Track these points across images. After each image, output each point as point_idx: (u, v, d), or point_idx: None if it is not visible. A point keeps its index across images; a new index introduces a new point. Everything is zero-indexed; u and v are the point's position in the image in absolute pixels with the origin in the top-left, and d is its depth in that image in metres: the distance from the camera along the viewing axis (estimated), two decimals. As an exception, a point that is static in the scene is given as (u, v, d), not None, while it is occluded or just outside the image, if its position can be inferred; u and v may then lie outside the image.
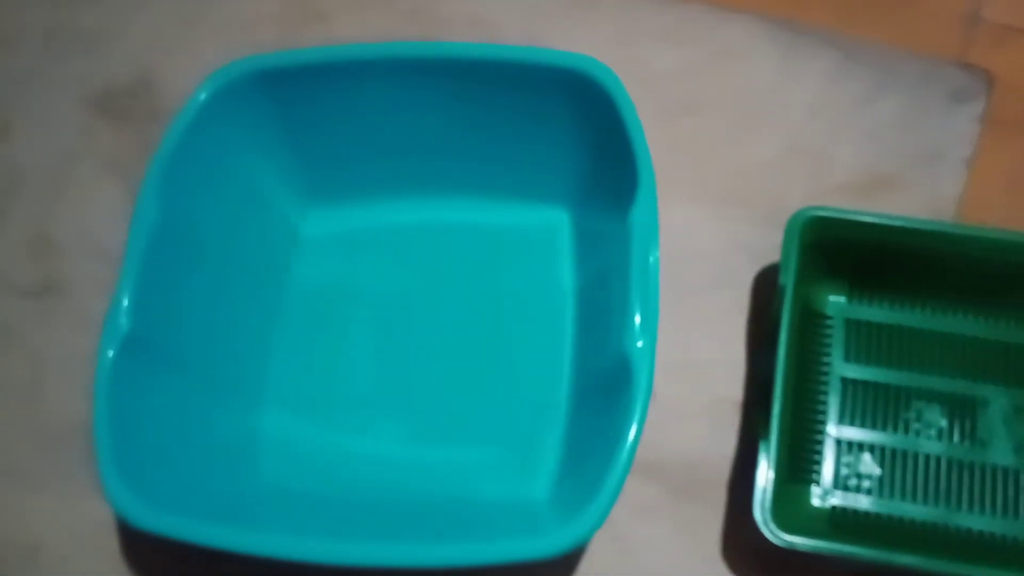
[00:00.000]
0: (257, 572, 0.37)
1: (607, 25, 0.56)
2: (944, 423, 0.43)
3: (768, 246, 0.49)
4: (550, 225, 0.50)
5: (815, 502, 0.42)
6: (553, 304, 0.48)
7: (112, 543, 0.44)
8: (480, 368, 0.47)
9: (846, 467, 0.43)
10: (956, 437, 0.43)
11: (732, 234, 0.49)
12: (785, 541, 0.38)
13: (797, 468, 0.42)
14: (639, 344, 0.38)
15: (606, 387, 0.41)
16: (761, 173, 0.51)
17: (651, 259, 0.39)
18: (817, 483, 0.42)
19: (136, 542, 0.45)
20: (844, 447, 0.43)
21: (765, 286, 0.48)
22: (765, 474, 0.39)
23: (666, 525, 0.43)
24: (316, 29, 0.57)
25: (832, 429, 0.43)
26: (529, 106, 0.47)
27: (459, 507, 0.43)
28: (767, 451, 0.39)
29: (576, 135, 0.47)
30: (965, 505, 0.42)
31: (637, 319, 0.38)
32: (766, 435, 0.40)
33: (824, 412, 0.44)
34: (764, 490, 0.39)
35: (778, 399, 0.40)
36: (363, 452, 0.45)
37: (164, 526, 0.37)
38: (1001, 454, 0.42)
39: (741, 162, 0.51)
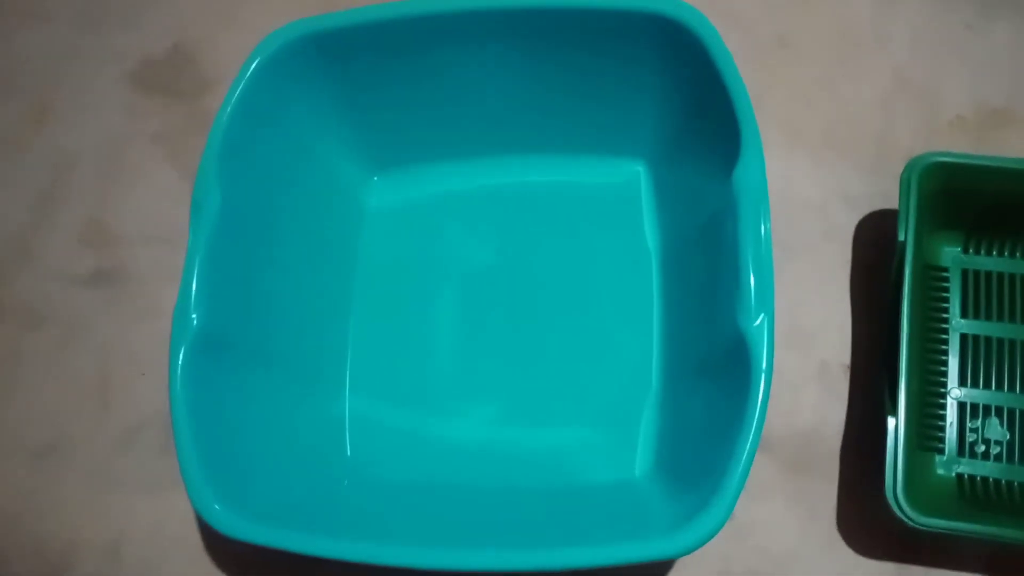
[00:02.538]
0: (344, 571, 0.35)
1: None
2: (1079, 380, 0.40)
3: (871, 193, 0.45)
4: (631, 181, 0.46)
5: (940, 471, 0.39)
6: (640, 269, 0.45)
7: (194, 536, 0.43)
8: (569, 341, 0.44)
9: (972, 432, 0.40)
10: (1094, 394, 0.40)
11: (832, 182, 0.46)
12: (923, 524, 0.35)
13: (921, 436, 0.40)
14: (756, 323, 0.35)
15: (718, 366, 0.38)
16: (861, 114, 0.46)
17: (763, 229, 0.36)
18: (942, 452, 0.40)
19: (219, 535, 0.43)
20: (969, 411, 0.40)
21: (869, 237, 0.45)
22: (894, 452, 0.36)
23: (780, 502, 0.41)
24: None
25: (955, 392, 0.40)
26: (608, 55, 0.42)
27: (560, 493, 0.41)
28: (896, 425, 0.37)
29: (661, 85, 0.43)
30: (1107, 468, 0.39)
31: (752, 295, 0.35)
32: (893, 407, 0.37)
33: (945, 374, 0.41)
34: (895, 469, 0.36)
35: (904, 365, 0.37)
36: (454, 437, 0.43)
37: (257, 535, 0.35)
38: None
39: (839, 103, 0.47)
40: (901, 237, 0.38)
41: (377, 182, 0.48)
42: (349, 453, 0.43)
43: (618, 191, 0.47)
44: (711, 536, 0.33)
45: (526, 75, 0.44)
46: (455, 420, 0.43)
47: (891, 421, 0.37)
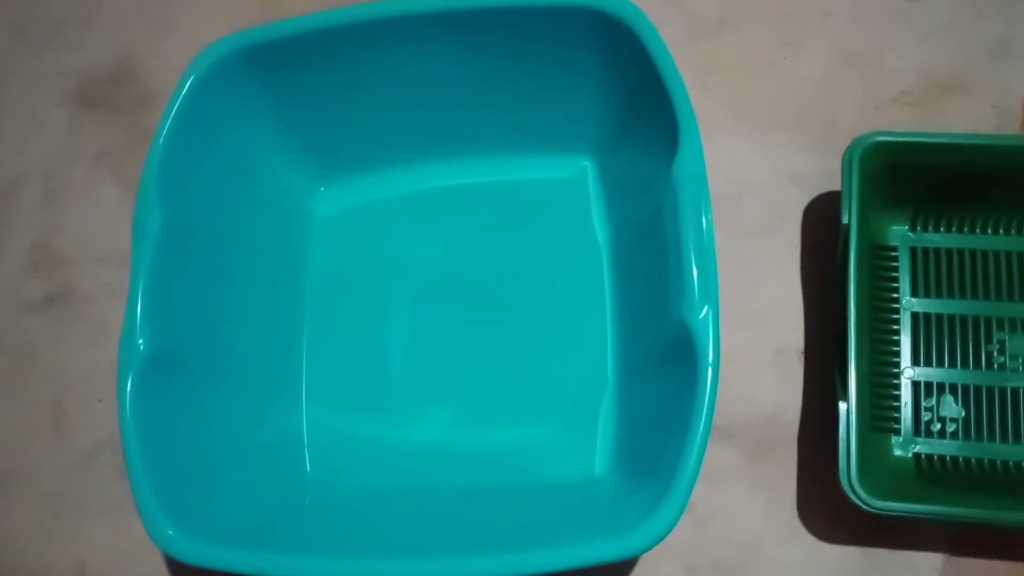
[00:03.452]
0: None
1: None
2: (1031, 353, 0.40)
3: (819, 173, 0.45)
4: (578, 176, 0.46)
5: (897, 452, 0.39)
6: (591, 263, 0.45)
7: (157, 559, 0.43)
8: (524, 339, 0.44)
9: (927, 411, 0.40)
10: (1047, 367, 0.40)
11: (781, 163, 0.45)
12: (877, 507, 0.35)
13: (876, 418, 0.40)
14: (701, 315, 0.35)
15: (668, 359, 0.37)
16: (807, 93, 0.46)
17: (704, 221, 0.36)
18: (898, 432, 0.40)
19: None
20: (923, 390, 0.40)
21: (818, 218, 0.44)
22: (847, 436, 0.36)
23: (741, 490, 0.41)
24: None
25: (909, 371, 0.40)
26: (547, 52, 0.42)
27: (521, 493, 0.41)
28: (847, 408, 0.36)
29: (602, 79, 0.42)
30: (1062, 440, 0.39)
31: (696, 288, 0.35)
32: (844, 391, 0.37)
33: (897, 354, 0.41)
34: (848, 453, 0.36)
35: (853, 348, 0.37)
36: (414, 441, 0.43)
37: (212, 559, 0.35)
38: (1096, 381, 0.39)
39: (783, 82, 0.47)
40: (845, 219, 0.38)
41: (324, 191, 0.47)
42: (309, 466, 0.43)
43: (566, 187, 0.46)
44: (664, 535, 0.33)
45: (466, 76, 0.44)
46: (414, 424, 0.43)
47: (842, 405, 0.36)
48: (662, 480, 0.34)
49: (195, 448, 0.38)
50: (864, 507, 0.35)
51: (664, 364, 0.38)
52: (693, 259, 0.35)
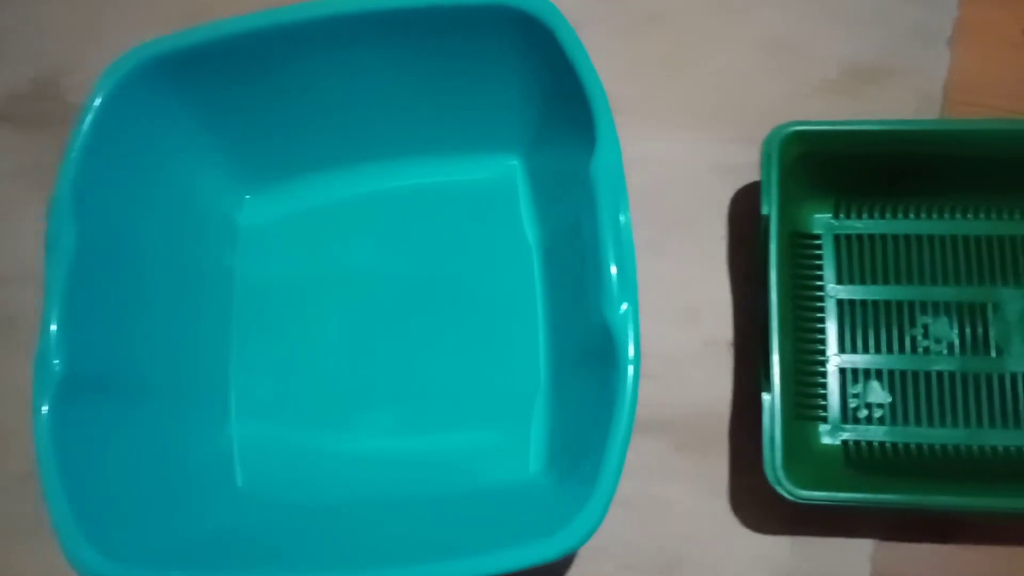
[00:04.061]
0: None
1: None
2: (954, 336, 0.40)
3: (745, 164, 0.45)
4: (507, 176, 0.46)
5: (825, 440, 0.40)
6: (522, 263, 0.44)
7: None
8: (458, 343, 0.44)
9: (854, 398, 0.40)
10: (969, 349, 0.40)
11: (709, 154, 0.45)
12: (802, 497, 0.35)
13: (802, 407, 0.40)
14: (621, 312, 0.35)
15: (590, 355, 0.37)
16: (733, 83, 0.46)
17: (623, 218, 0.35)
18: (825, 420, 0.40)
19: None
20: (850, 377, 0.40)
21: (744, 209, 0.45)
22: (772, 426, 0.36)
23: (676, 484, 0.41)
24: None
25: (835, 359, 0.41)
26: (468, 51, 0.42)
27: (460, 499, 0.40)
28: (771, 399, 0.36)
29: (524, 77, 0.42)
30: (987, 422, 0.39)
31: (615, 285, 0.35)
32: (767, 382, 0.37)
33: (823, 341, 0.41)
34: (772, 444, 0.36)
35: (775, 339, 0.37)
36: (350, 451, 0.42)
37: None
38: (1019, 361, 0.40)
39: (711, 73, 0.47)
40: (765, 210, 0.38)
41: (251, 200, 0.47)
42: (241, 482, 0.42)
43: (495, 187, 0.46)
44: (588, 535, 0.33)
45: (389, 78, 0.43)
46: (349, 434, 0.42)
47: (766, 396, 0.37)
48: (587, 479, 0.34)
49: (118, 470, 0.38)
50: (789, 497, 0.35)
51: (591, 362, 0.38)
52: (611, 257, 0.35)
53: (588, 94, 0.37)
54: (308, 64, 0.42)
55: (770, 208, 0.38)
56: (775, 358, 0.37)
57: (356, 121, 0.45)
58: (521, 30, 0.40)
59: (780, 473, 0.35)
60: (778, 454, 0.36)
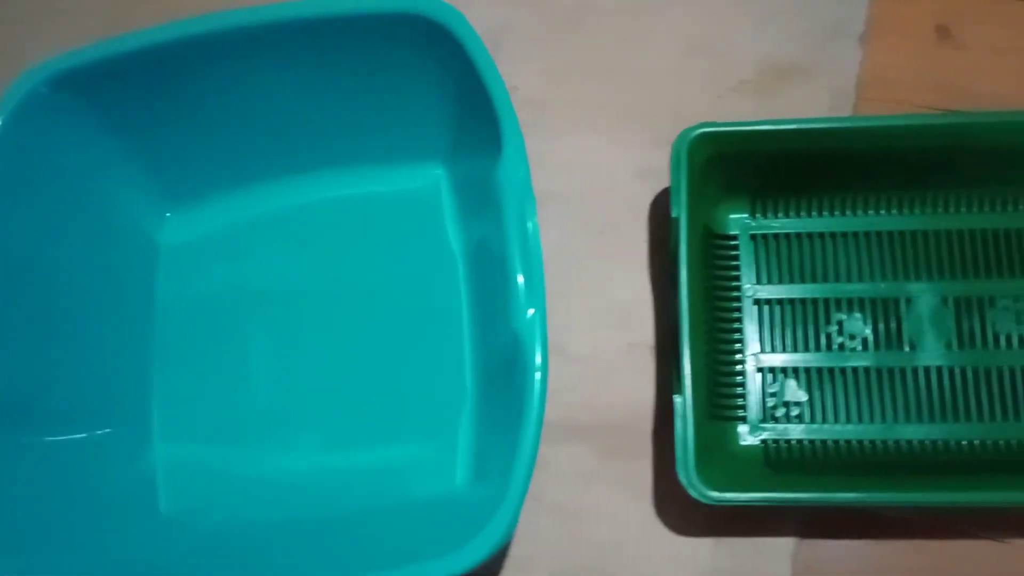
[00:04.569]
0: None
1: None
2: (868, 332, 0.41)
3: (665, 167, 0.45)
4: (431, 185, 0.46)
5: (744, 441, 0.40)
6: (447, 274, 0.44)
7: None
8: (386, 356, 0.43)
9: (772, 397, 0.40)
10: (883, 345, 0.40)
11: (629, 158, 0.45)
12: (713, 499, 0.35)
13: (721, 407, 0.40)
14: (528, 320, 0.34)
15: (505, 363, 0.37)
16: (652, 86, 0.46)
17: (530, 225, 0.35)
18: (744, 420, 0.40)
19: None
20: (768, 376, 0.40)
21: (664, 211, 0.45)
22: (684, 428, 0.36)
23: (602, 489, 0.41)
24: (151, 5, 0.51)
25: (752, 359, 0.41)
26: (380, 60, 0.42)
27: (389, 514, 0.40)
28: (683, 402, 0.36)
29: (435, 85, 0.42)
30: (902, 416, 0.39)
31: (522, 294, 0.35)
32: (679, 385, 0.37)
33: (742, 341, 0.41)
34: (684, 446, 0.36)
35: (686, 342, 0.37)
36: (278, 471, 0.42)
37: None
38: (931, 355, 0.40)
39: (630, 76, 0.47)
40: (675, 213, 0.38)
41: (172, 218, 0.46)
42: (164, 507, 0.42)
43: (420, 196, 0.46)
44: (498, 545, 0.32)
45: (303, 90, 0.43)
46: (275, 453, 0.42)
47: (677, 399, 0.37)
48: (498, 490, 0.34)
49: (31, 499, 0.37)
50: (701, 499, 0.35)
51: (508, 370, 0.38)
52: (518, 264, 0.35)
53: (494, 102, 0.37)
54: (222, 77, 0.42)
55: (680, 211, 0.38)
56: (686, 360, 0.37)
57: (276, 134, 0.44)
58: (429, 38, 0.39)
59: (693, 475, 0.35)
60: (691, 456, 0.36)
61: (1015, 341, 0.40)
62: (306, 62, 0.42)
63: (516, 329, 0.35)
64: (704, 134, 0.39)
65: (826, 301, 0.41)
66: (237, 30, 0.40)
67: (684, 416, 0.36)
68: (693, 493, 0.35)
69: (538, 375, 0.34)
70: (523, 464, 0.33)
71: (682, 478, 0.36)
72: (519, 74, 0.47)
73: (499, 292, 0.38)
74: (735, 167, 0.40)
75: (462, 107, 0.42)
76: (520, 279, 0.35)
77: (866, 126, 0.39)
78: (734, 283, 0.41)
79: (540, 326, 0.34)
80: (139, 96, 0.42)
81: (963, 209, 0.41)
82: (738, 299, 0.41)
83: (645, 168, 0.45)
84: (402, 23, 0.40)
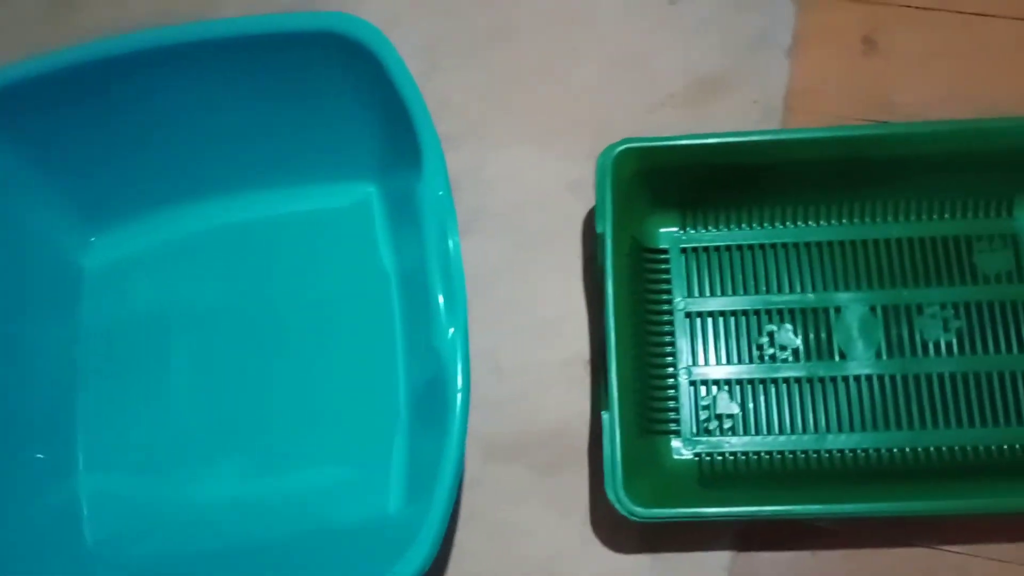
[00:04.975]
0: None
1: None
2: (799, 342, 0.41)
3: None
4: (362, 203, 0.45)
5: (678, 455, 0.39)
6: (380, 292, 0.44)
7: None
8: (316, 378, 0.43)
9: (705, 410, 0.40)
10: (814, 355, 0.40)
11: (560, 172, 0.45)
12: (640, 516, 0.35)
13: (654, 422, 0.39)
14: (448, 341, 0.34)
15: (433, 383, 0.37)
16: (582, 100, 0.46)
17: (451, 244, 0.35)
18: (678, 434, 0.40)
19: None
20: (700, 389, 0.40)
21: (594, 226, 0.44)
22: (611, 445, 0.36)
23: (536, 506, 0.41)
24: (69, 23, 0.50)
25: (684, 372, 0.40)
26: (299, 79, 0.41)
27: (316, 542, 0.39)
28: (610, 419, 0.36)
29: (359, 103, 0.41)
30: (833, 426, 0.39)
31: (443, 313, 0.34)
32: (607, 401, 0.36)
33: (674, 355, 0.41)
34: (613, 462, 0.36)
35: (613, 358, 0.37)
36: (205, 497, 0.41)
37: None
38: (861, 364, 0.40)
39: (560, 90, 0.47)
40: (599, 229, 0.38)
41: (96, 242, 0.45)
42: (89, 539, 0.40)
43: (351, 214, 0.45)
44: (420, 570, 0.32)
45: (226, 109, 0.42)
46: (203, 481, 0.41)
47: (605, 416, 0.36)
48: (420, 514, 0.33)
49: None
50: (629, 517, 0.35)
51: (436, 390, 0.37)
52: (439, 284, 0.35)
53: (413, 119, 0.37)
54: (140, 99, 0.42)
55: (605, 227, 0.38)
56: (613, 377, 0.36)
57: (201, 154, 0.44)
58: (349, 57, 0.39)
59: (621, 492, 0.35)
60: (619, 473, 0.35)
61: (943, 348, 0.40)
62: (228, 81, 0.42)
63: (437, 349, 0.34)
64: (627, 150, 0.39)
65: (757, 313, 0.41)
66: (152, 51, 0.40)
67: (612, 433, 0.36)
68: (621, 510, 0.35)
69: (459, 396, 0.33)
70: (444, 487, 0.33)
71: (610, 495, 0.35)
72: (454, 88, 0.47)
73: (423, 312, 0.38)
74: (662, 181, 0.40)
75: (387, 124, 0.41)
76: (440, 299, 0.34)
77: (787, 139, 0.39)
78: (665, 297, 0.41)
79: (461, 346, 0.34)
80: (56, 123, 0.41)
81: (890, 218, 0.41)
82: (670, 312, 0.41)
83: (578, 181, 0.45)
84: (321, 42, 0.39)
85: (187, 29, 0.40)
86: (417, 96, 0.37)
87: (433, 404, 0.38)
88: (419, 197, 0.36)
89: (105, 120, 0.42)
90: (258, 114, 0.43)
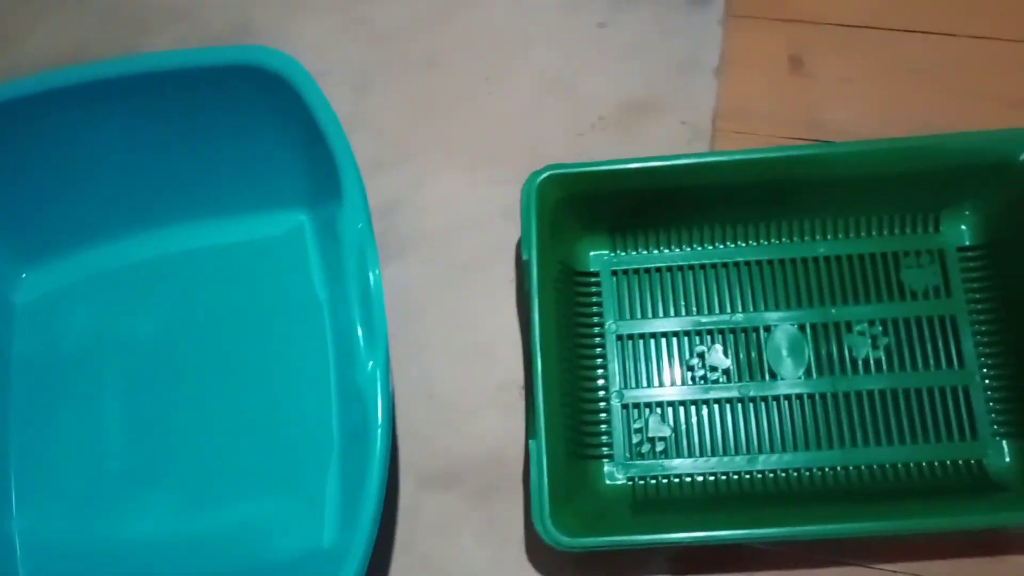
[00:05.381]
0: None
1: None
2: (730, 363, 0.41)
3: (530, 206, 0.45)
4: (295, 232, 0.45)
5: (612, 480, 0.39)
6: (314, 322, 0.43)
7: None
8: (250, 410, 0.42)
9: (637, 434, 0.40)
10: (744, 375, 0.40)
11: (492, 198, 0.45)
12: (566, 544, 0.35)
13: (585, 446, 0.39)
14: (368, 374, 0.34)
15: (358, 414, 0.36)
16: (512, 124, 0.46)
17: (372, 276, 0.35)
18: (611, 458, 0.40)
19: None
20: (632, 412, 0.40)
21: (526, 252, 0.44)
22: (539, 474, 0.36)
23: (469, 535, 0.40)
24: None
25: (616, 396, 0.40)
26: (223, 110, 0.41)
27: (254, 574, 0.39)
28: (537, 447, 0.36)
29: (284, 132, 0.41)
30: (765, 446, 0.39)
31: (362, 344, 0.34)
32: (533, 429, 0.36)
33: (606, 378, 0.41)
34: (540, 492, 0.35)
35: (539, 386, 0.37)
36: (139, 534, 0.40)
37: None
38: (791, 383, 0.40)
39: (491, 115, 0.47)
40: (525, 256, 0.38)
41: (27, 277, 0.45)
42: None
43: (285, 244, 0.45)
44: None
45: (154, 142, 0.42)
46: (139, 517, 0.41)
47: (532, 444, 0.36)
48: (343, 549, 0.33)
49: None
50: (557, 546, 0.35)
51: (358, 423, 0.37)
52: (357, 317, 0.34)
53: (332, 151, 0.37)
54: (67, 134, 0.41)
55: (530, 253, 0.38)
56: (540, 404, 0.36)
57: (132, 187, 0.44)
58: (270, 89, 0.39)
59: (548, 522, 0.35)
60: (545, 502, 0.35)
61: (872, 365, 0.40)
62: (154, 115, 0.42)
63: (358, 382, 0.34)
64: (550, 177, 0.39)
65: (688, 334, 0.41)
66: (75, 87, 0.40)
67: (539, 461, 0.36)
68: (547, 540, 0.35)
69: (379, 431, 0.33)
70: (366, 523, 0.33)
71: (537, 525, 0.35)
72: (388, 114, 0.47)
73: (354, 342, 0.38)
74: (589, 205, 0.40)
75: (312, 155, 0.41)
76: (360, 332, 0.34)
77: (710, 162, 0.39)
78: (597, 320, 0.41)
79: (381, 380, 0.34)
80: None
81: (818, 236, 0.41)
82: (601, 336, 0.41)
83: (510, 206, 0.45)
84: (242, 75, 0.39)
85: (109, 65, 0.40)
86: (336, 127, 0.37)
87: (363, 435, 0.38)
88: (339, 229, 0.36)
89: (32, 156, 0.42)
90: (188, 146, 0.43)
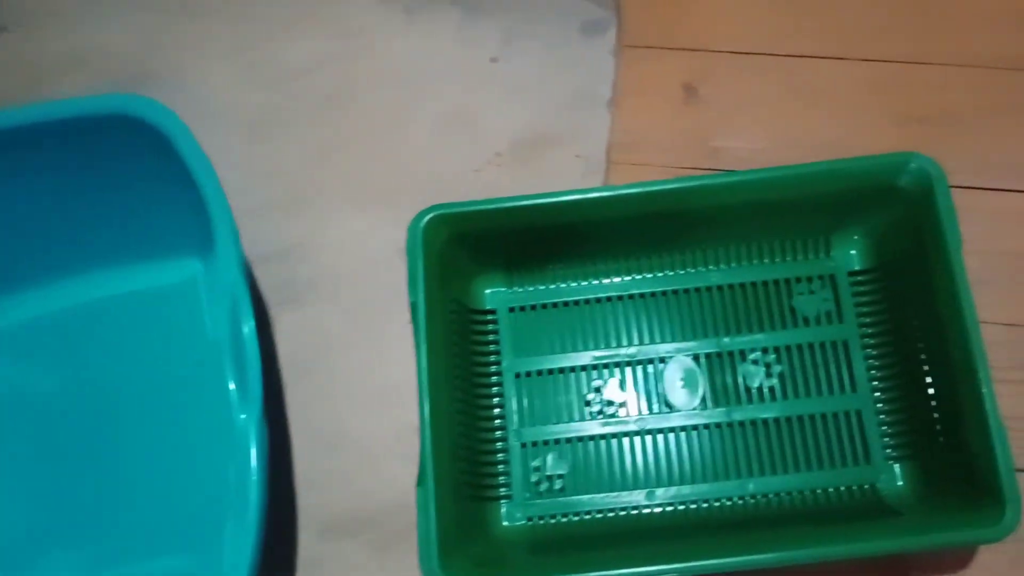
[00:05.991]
0: None
1: (223, 28, 0.49)
2: (625, 396, 0.40)
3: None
4: (190, 279, 0.44)
5: (511, 521, 0.39)
6: (212, 370, 0.42)
7: None
8: (150, 466, 0.41)
9: (536, 472, 0.39)
10: (641, 408, 0.40)
11: (392, 237, 0.44)
12: (455, 594, 0.34)
13: (482, 487, 0.39)
14: (241, 427, 0.33)
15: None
16: (413, 160, 0.46)
17: (246, 328, 0.34)
18: (509, 499, 0.39)
19: None
20: (531, 451, 0.40)
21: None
22: (426, 522, 0.35)
23: (373, 584, 0.39)
24: None
25: (515, 435, 0.40)
26: (105, 159, 0.40)
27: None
28: (424, 495, 0.35)
29: (169, 180, 0.40)
30: (664, 479, 0.39)
31: (234, 396, 0.34)
32: (422, 476, 0.36)
33: (504, 417, 0.40)
34: (427, 540, 0.35)
35: (428, 433, 0.36)
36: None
37: None
38: (686, 415, 0.40)
39: (392, 154, 0.46)
40: (412, 298, 0.38)
41: (-88, 336, 0.43)
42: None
43: (179, 292, 0.44)
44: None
45: (38, 192, 0.41)
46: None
47: (419, 492, 0.35)
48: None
49: None
50: (443, 596, 0.34)
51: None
52: (229, 371, 0.34)
53: (205, 201, 0.36)
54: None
55: (417, 295, 0.37)
56: (428, 449, 0.36)
57: (26, 240, 0.43)
58: (146, 139, 0.38)
59: (437, 570, 0.34)
60: (433, 551, 0.34)
61: (766, 393, 0.40)
62: (33, 166, 0.41)
63: (236, 433, 0.33)
64: (437, 216, 0.39)
65: (584, 368, 0.41)
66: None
67: (426, 507, 0.35)
68: (434, 590, 0.34)
69: (255, 487, 0.32)
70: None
71: (424, 572, 0.34)
72: (287, 156, 0.46)
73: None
74: (481, 243, 0.40)
75: (195, 201, 0.40)
76: (232, 386, 0.33)
77: (596, 197, 0.39)
78: (494, 358, 0.41)
79: (255, 434, 0.33)
80: None
81: (711, 266, 0.41)
82: (499, 374, 0.41)
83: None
84: (117, 125, 0.39)
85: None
86: (209, 173, 0.37)
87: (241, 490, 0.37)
88: (211, 283, 0.35)
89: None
90: (83, 197, 0.42)
